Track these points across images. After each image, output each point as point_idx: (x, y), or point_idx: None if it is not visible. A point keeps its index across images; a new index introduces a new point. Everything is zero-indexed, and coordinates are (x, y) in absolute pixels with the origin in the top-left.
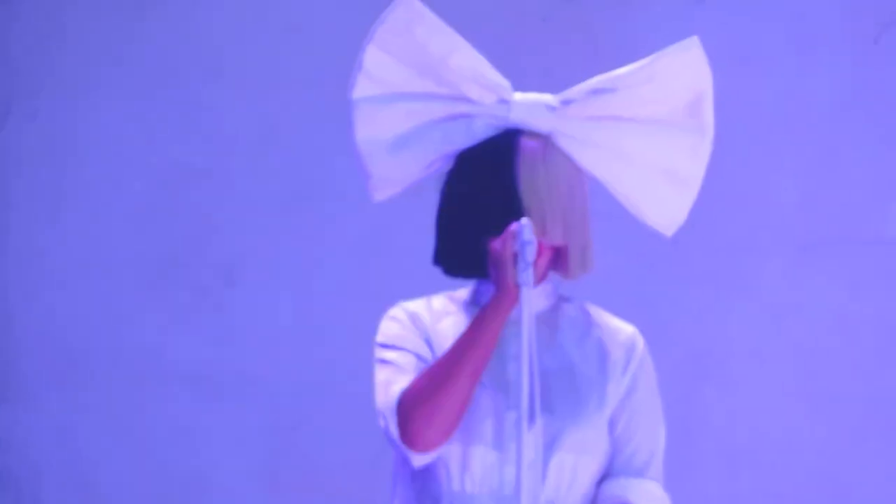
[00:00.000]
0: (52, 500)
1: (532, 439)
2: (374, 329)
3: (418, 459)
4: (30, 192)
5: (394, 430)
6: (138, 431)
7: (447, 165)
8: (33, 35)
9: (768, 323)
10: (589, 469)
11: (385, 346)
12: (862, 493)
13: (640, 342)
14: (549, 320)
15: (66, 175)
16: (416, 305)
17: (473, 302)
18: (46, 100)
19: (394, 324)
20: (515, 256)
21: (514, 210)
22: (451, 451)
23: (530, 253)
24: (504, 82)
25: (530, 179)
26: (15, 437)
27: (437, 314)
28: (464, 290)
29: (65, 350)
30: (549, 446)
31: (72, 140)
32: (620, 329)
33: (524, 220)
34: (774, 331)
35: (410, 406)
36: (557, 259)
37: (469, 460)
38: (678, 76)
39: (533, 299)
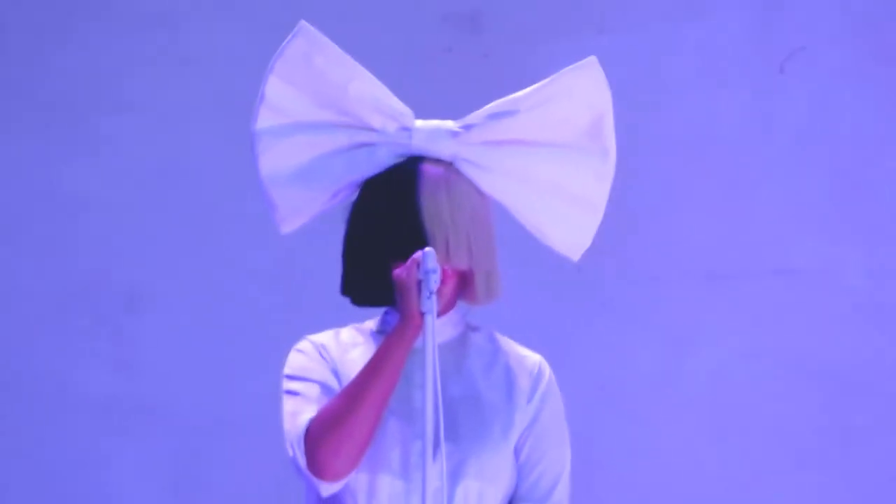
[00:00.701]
0: None
1: (437, 467)
2: (278, 357)
3: (326, 488)
4: None
5: (301, 459)
6: (39, 460)
7: (352, 194)
8: None
9: (673, 352)
10: (494, 497)
11: (292, 377)
12: None
13: (547, 370)
14: (455, 349)
15: None
16: (324, 337)
17: (381, 331)
18: None
19: (300, 356)
20: (419, 284)
21: (419, 237)
22: (358, 480)
23: (434, 281)
24: (405, 110)
25: (433, 206)
26: None
27: (344, 345)
28: (371, 321)
29: None
30: (454, 474)
31: None
32: (527, 357)
33: (428, 249)
34: (679, 360)
35: (317, 435)
36: (464, 286)
37: (376, 489)
38: (578, 95)
39: (439, 328)
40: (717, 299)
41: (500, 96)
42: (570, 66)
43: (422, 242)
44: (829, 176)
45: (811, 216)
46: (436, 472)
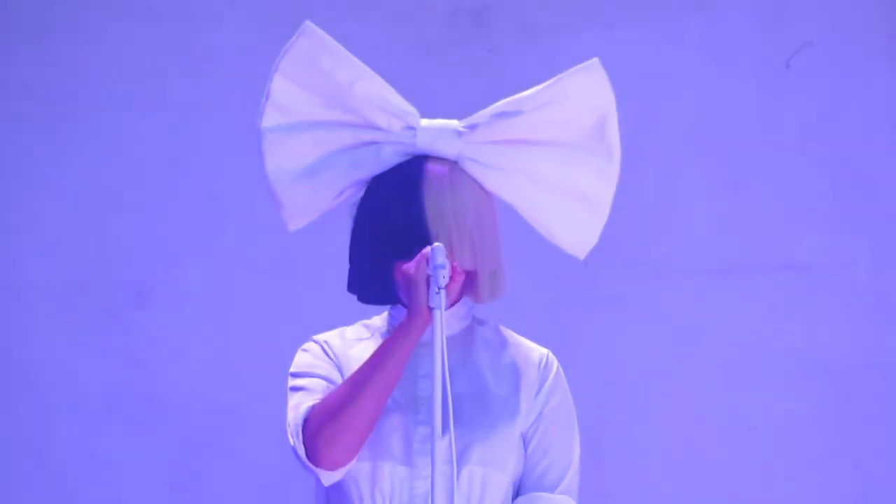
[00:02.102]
0: None
1: (443, 452)
2: (283, 351)
3: (325, 477)
4: None
5: (300, 448)
6: (47, 455)
7: (358, 193)
8: None
9: (679, 347)
10: (499, 483)
11: (296, 374)
12: None
13: (555, 363)
14: (462, 342)
15: None
16: (328, 335)
17: (387, 328)
18: None
19: (306, 354)
20: (428, 279)
21: (422, 236)
22: (359, 468)
23: (443, 277)
24: (410, 109)
25: (437, 205)
26: None
27: (349, 342)
28: (378, 318)
29: None
30: (459, 458)
31: None
32: (534, 349)
33: (437, 244)
34: (686, 355)
35: (316, 425)
36: (469, 284)
37: (378, 476)
38: (581, 97)
39: (446, 321)
40: (724, 295)
41: (506, 91)
42: (574, 68)
43: (426, 242)
44: (835, 171)
45: (817, 211)
46: (442, 457)
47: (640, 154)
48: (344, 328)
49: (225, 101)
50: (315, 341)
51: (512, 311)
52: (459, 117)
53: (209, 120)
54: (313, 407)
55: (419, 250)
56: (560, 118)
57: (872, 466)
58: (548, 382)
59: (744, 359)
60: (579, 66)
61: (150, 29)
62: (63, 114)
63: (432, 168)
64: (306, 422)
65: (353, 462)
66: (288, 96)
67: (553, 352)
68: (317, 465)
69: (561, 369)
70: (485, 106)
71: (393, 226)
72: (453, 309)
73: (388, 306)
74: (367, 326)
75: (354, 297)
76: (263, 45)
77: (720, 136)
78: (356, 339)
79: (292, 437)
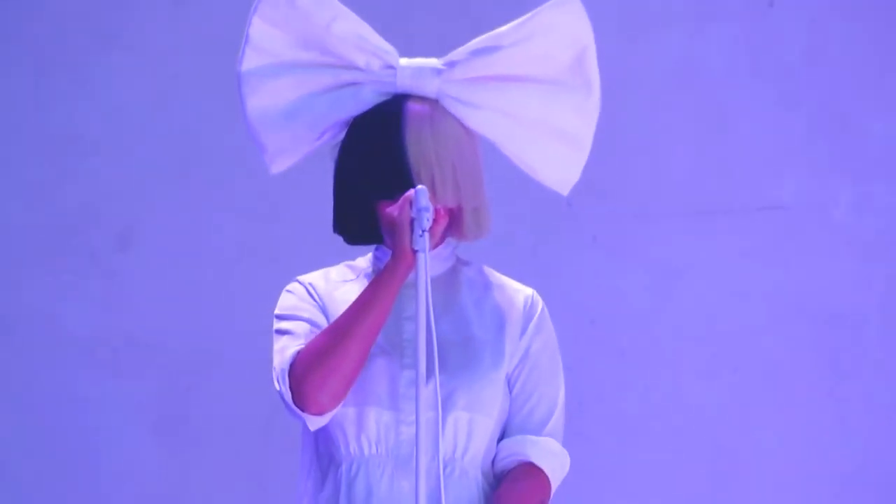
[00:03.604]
0: None
1: (429, 397)
2: (266, 293)
3: (312, 422)
4: None
5: (286, 393)
6: (30, 398)
7: (340, 134)
8: None
9: (661, 286)
10: (485, 427)
11: (281, 317)
12: (754, 460)
13: (539, 303)
14: (446, 283)
15: None
16: (313, 277)
17: (372, 269)
18: None
19: (290, 296)
20: (412, 222)
21: (405, 175)
22: (346, 413)
23: (426, 219)
24: (389, 48)
25: (418, 144)
26: None
27: (333, 283)
28: (363, 259)
29: None
30: (444, 405)
31: None
32: (519, 290)
33: (420, 187)
34: (668, 294)
35: (303, 369)
36: (453, 222)
37: (364, 421)
38: (559, 31)
39: (430, 263)
40: (705, 235)
41: (481, 30)
42: (551, 2)
43: (408, 181)
44: (816, 112)
45: (798, 152)
46: (428, 402)
47: (623, 93)
48: (328, 269)
49: (205, 44)
50: (300, 282)
51: (494, 250)
52: (436, 55)
53: (189, 62)
54: (299, 352)
55: (402, 189)
56: (538, 53)
57: (850, 406)
58: (532, 323)
59: (724, 299)
60: None
61: None
62: (44, 58)
63: (413, 107)
64: (292, 366)
65: (340, 407)
66: (267, 38)
67: (535, 291)
68: (303, 409)
69: (545, 310)
70: (461, 44)
71: (375, 166)
72: (437, 250)
73: (374, 247)
74: (351, 267)
75: (337, 239)
76: None
77: (702, 75)
78: (341, 281)
79: (278, 381)
